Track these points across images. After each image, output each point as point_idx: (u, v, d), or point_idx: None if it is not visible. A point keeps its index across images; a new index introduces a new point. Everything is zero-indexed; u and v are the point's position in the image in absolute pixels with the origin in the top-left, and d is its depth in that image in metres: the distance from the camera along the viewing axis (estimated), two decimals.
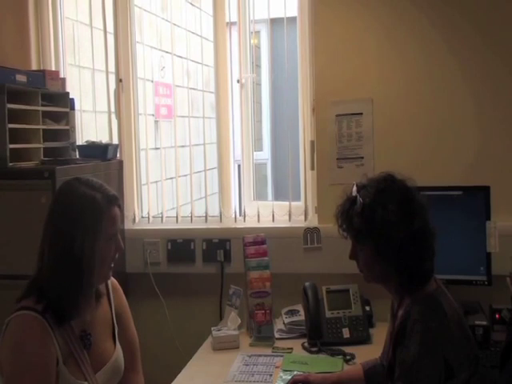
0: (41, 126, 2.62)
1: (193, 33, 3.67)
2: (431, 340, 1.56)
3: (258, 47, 4.08)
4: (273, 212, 2.91)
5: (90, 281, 1.66)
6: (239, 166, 3.11)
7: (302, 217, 2.88)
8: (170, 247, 2.93)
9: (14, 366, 1.56)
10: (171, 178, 3.22)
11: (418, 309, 1.62)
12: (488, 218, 2.42)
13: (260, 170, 3.16)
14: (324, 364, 2.24)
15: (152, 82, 3.76)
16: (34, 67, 2.99)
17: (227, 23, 3.01)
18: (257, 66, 3.35)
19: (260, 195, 3.10)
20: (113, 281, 1.90)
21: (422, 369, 1.55)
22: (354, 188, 1.74)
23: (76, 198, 1.65)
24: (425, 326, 1.58)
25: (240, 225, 2.95)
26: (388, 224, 1.63)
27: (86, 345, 1.69)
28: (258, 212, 2.92)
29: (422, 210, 1.68)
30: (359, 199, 1.69)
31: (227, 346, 2.43)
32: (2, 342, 1.59)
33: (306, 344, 2.43)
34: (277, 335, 2.53)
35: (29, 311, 1.59)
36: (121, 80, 3.02)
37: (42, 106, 2.64)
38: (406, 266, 1.65)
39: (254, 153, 3.07)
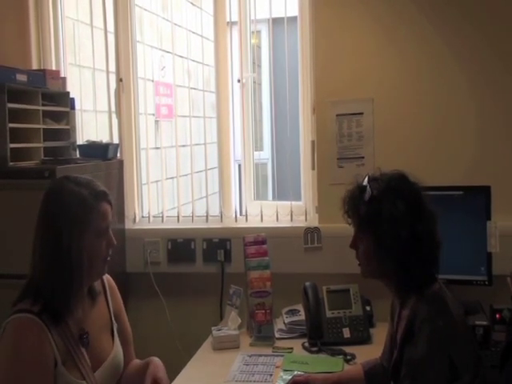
0: (41, 126, 2.62)
1: (193, 32, 3.66)
2: (439, 339, 1.57)
3: (258, 47, 4.07)
4: (274, 212, 2.90)
5: (81, 277, 1.66)
6: (240, 165, 3.10)
7: (303, 216, 2.88)
8: (170, 247, 2.93)
9: (10, 371, 1.56)
10: (172, 178, 3.22)
11: (426, 308, 1.62)
12: (488, 218, 2.42)
13: (260, 169, 3.16)
14: (324, 364, 2.24)
15: (152, 81, 3.76)
16: (35, 66, 2.99)
17: (228, 23, 3.01)
18: (257, 65, 3.34)
19: (260, 195, 3.10)
20: (108, 279, 1.90)
21: (429, 368, 1.56)
22: (366, 178, 1.75)
23: (63, 196, 1.66)
24: (433, 325, 1.58)
25: (240, 224, 2.95)
26: (392, 220, 1.64)
27: (84, 343, 1.69)
28: (259, 212, 2.92)
29: (430, 217, 1.68)
30: (368, 189, 1.70)
31: (227, 345, 2.43)
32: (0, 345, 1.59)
33: (306, 344, 2.43)
34: (277, 335, 2.53)
35: (25, 314, 1.59)
36: (121, 79, 3.02)
37: (43, 105, 2.64)
38: (405, 267, 1.66)
39: (255, 152, 3.07)
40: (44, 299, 1.60)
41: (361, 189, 1.73)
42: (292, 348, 2.41)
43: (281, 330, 2.57)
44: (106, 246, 1.72)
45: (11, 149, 2.43)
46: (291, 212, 2.89)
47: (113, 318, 1.85)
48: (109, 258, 1.75)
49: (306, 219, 2.87)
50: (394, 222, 1.64)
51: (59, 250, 1.61)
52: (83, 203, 1.65)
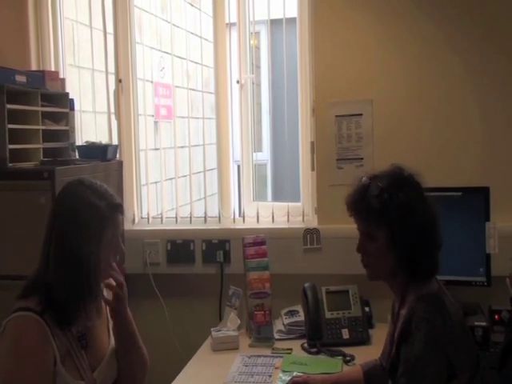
0: (40, 127, 2.62)
1: (192, 33, 3.67)
2: (436, 338, 1.57)
3: (257, 48, 4.07)
4: (272, 213, 2.91)
5: (97, 286, 1.69)
6: (239, 166, 3.11)
7: (302, 217, 2.88)
8: (169, 248, 2.93)
9: (10, 369, 1.55)
10: (171, 179, 3.22)
11: (423, 307, 1.63)
12: (487, 219, 2.43)
13: (260, 170, 3.15)
14: (323, 365, 2.24)
15: (152, 82, 3.76)
16: (34, 67, 2.99)
17: (227, 24, 3.01)
18: (256, 66, 3.35)
19: (260, 196, 3.09)
20: None
21: (425, 367, 1.56)
22: (365, 177, 1.75)
23: (81, 204, 1.66)
24: (430, 324, 1.58)
25: (240, 225, 2.95)
26: (406, 207, 1.65)
27: (83, 345, 1.69)
28: (258, 213, 2.92)
29: (434, 206, 1.70)
30: (374, 184, 1.70)
31: (227, 346, 2.43)
32: (0, 343, 1.59)
33: (305, 345, 2.43)
34: (276, 336, 2.53)
35: (27, 312, 1.59)
36: (120, 80, 3.02)
37: (42, 106, 2.64)
38: (419, 254, 1.65)
39: (254, 153, 3.07)
40: (51, 301, 1.60)
41: (365, 187, 1.72)
42: (291, 349, 2.41)
43: (280, 331, 2.57)
44: (115, 252, 1.75)
45: (10, 150, 2.42)
46: (290, 213, 2.89)
47: (108, 315, 1.85)
48: (114, 264, 1.77)
49: (304, 220, 2.88)
50: (407, 209, 1.65)
51: (76, 261, 1.61)
52: (101, 216, 1.65)
